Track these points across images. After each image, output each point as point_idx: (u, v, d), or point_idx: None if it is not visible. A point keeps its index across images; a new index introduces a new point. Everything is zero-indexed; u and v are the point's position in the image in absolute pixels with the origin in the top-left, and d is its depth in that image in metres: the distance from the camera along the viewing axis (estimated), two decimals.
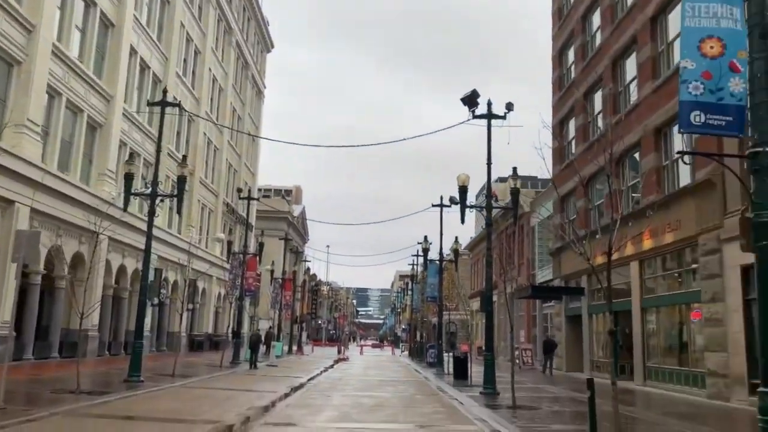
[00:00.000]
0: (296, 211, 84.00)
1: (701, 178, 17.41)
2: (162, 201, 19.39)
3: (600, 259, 24.60)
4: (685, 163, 17.30)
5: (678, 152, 17.49)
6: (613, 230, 8.75)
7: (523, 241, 39.93)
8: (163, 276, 35.64)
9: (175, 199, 18.76)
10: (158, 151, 18.63)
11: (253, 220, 53.35)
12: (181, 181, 18.39)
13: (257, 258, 33.09)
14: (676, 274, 19.82)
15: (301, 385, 19.77)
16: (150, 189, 18.15)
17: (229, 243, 30.43)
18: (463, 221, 18.53)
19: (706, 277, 16.98)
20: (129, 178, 17.97)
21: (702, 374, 17.38)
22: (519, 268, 37.68)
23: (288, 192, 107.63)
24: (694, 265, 18.03)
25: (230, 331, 42.55)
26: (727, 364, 15.92)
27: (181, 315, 23.51)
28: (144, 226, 32.51)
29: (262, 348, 38.85)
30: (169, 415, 11.85)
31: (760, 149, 5.15)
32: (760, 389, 4.92)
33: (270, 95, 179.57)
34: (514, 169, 18.29)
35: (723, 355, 16.08)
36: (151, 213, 18.00)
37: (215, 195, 46.68)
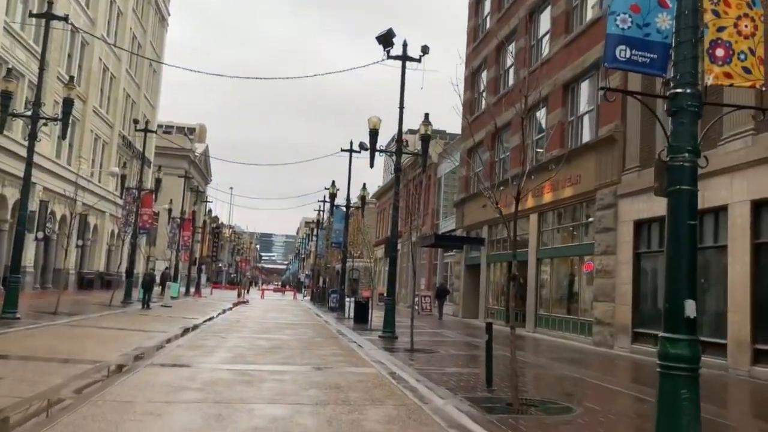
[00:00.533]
0: (199, 149, 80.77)
1: (603, 135, 17.85)
2: (45, 124, 17.65)
3: (504, 211, 25.08)
4: (607, 100, 17.63)
5: (600, 88, 17.73)
6: (523, 174, 8.56)
7: (429, 191, 40.26)
8: (49, 209, 33.24)
9: (61, 123, 17.07)
10: (41, 68, 16.84)
11: (151, 156, 50.68)
12: (68, 103, 16.79)
13: (153, 195, 31.39)
14: (571, 228, 20.49)
15: (195, 327, 19.07)
16: (31, 110, 16.43)
17: (123, 177, 28.54)
18: (372, 165, 18.14)
19: (600, 230, 17.60)
20: (6, 96, 16.16)
21: (589, 323, 18.20)
22: (424, 218, 38.05)
23: (191, 130, 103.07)
24: (590, 219, 18.66)
25: (124, 270, 40.67)
26: (613, 313, 16.71)
27: (66, 250, 21.89)
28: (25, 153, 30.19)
29: (157, 289, 37.47)
30: (47, 353, 10.96)
31: (680, 90, 4.99)
32: (662, 334, 4.88)
33: (174, 29, 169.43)
34: (426, 115, 17.99)
35: (610, 305, 16.85)
36: (32, 136, 16.37)
37: (110, 126, 43.71)
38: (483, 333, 21.56)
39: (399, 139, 17.69)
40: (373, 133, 17.70)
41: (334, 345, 15.54)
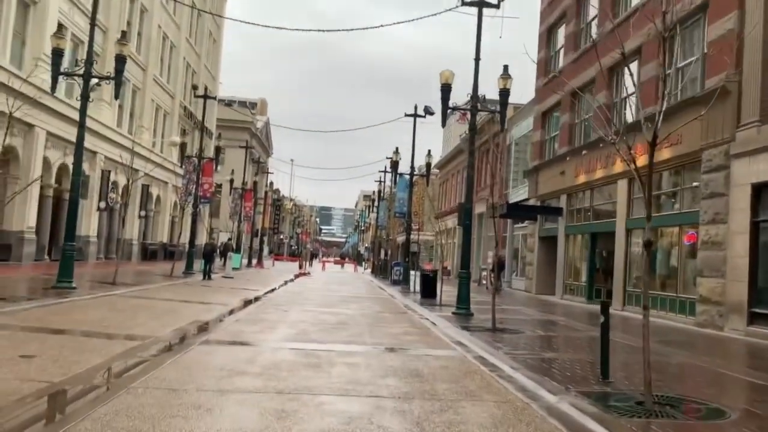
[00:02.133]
0: (260, 122, 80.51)
1: (713, 86, 15.51)
2: (98, 84, 16.73)
3: (582, 178, 22.88)
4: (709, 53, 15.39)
5: None
6: (659, 112, 6.77)
7: (498, 159, 38.13)
8: (112, 179, 33.03)
9: (114, 84, 16.08)
10: (92, 24, 15.81)
11: (212, 127, 50.33)
12: (120, 61, 15.73)
13: (213, 163, 30.60)
14: (671, 194, 18.28)
15: (257, 299, 18.05)
16: (83, 68, 15.47)
17: (183, 145, 27.79)
18: (444, 123, 16.48)
19: (707, 196, 15.42)
20: (57, 54, 15.24)
21: (691, 301, 16.14)
22: (492, 187, 36.07)
23: (253, 104, 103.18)
24: (694, 184, 16.44)
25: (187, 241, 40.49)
26: (723, 290, 14.61)
27: (123, 219, 21.20)
28: (90, 124, 29.80)
29: (219, 261, 37.05)
30: (94, 327, 9.92)
31: None
32: None
33: (232, 3, 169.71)
34: (505, 67, 16.11)
35: (719, 282, 14.75)
36: (85, 97, 15.42)
37: (171, 96, 43.35)
38: (563, 310, 19.87)
39: (474, 95, 15.89)
40: (446, 89, 15.96)
41: (404, 321, 14.12)
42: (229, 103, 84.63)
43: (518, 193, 33.14)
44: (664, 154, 17.71)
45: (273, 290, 22.41)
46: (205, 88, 30.30)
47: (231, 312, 13.98)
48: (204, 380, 6.49)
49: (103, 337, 9.05)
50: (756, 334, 13.29)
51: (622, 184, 20.32)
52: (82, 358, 7.27)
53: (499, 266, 30.91)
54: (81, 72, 15.55)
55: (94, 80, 15.83)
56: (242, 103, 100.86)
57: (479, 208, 41.86)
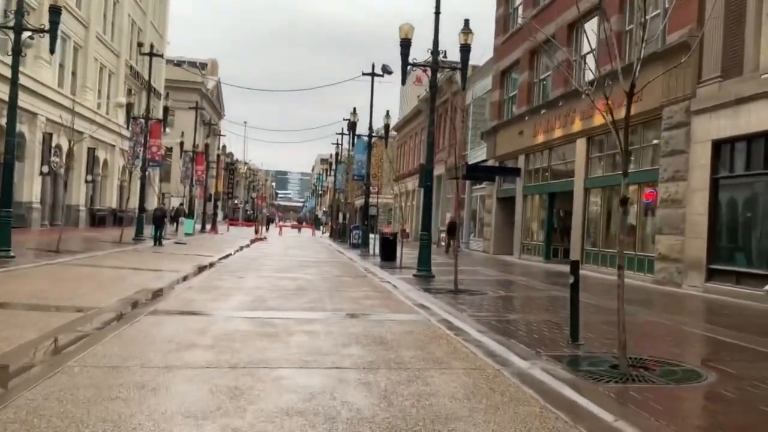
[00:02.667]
0: (210, 83, 78.02)
1: (674, 42, 15.34)
2: (31, 38, 15.49)
3: (541, 138, 22.70)
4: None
5: None
6: (638, 59, 6.38)
7: (455, 120, 37.74)
8: (55, 143, 31.41)
9: (50, 38, 14.90)
10: None
11: (161, 88, 48.38)
12: (54, 11, 14.54)
13: (161, 124, 29.32)
14: (629, 153, 18.18)
15: (211, 265, 17.40)
16: (12, 20, 14.27)
17: (129, 106, 26.43)
18: (404, 81, 15.91)
19: (667, 153, 15.36)
20: None
21: (649, 259, 16.22)
22: (449, 149, 35.79)
23: (203, 65, 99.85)
24: (653, 142, 16.35)
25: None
26: (681, 248, 14.66)
27: (65, 183, 20.06)
28: (29, 84, 28.05)
29: (171, 225, 35.95)
30: (31, 299, 9.20)
31: None
32: None
33: None
34: (466, 21, 15.54)
35: (678, 239, 14.79)
36: (17, 52, 14.24)
37: (116, 55, 41.30)
38: (522, 270, 19.83)
39: (435, 50, 15.31)
40: (405, 44, 15.32)
41: (365, 285, 13.74)
42: (178, 64, 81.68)
43: (476, 155, 32.91)
44: (624, 112, 17.53)
45: (228, 256, 21.72)
46: (151, 46, 28.74)
47: (183, 279, 13.34)
48: (150, 355, 5.95)
49: (41, 310, 8.36)
50: (714, 290, 13.39)
51: (581, 144, 20.19)
52: (13, 333, 6.62)
53: (452, 228, 30.90)
54: (11, 24, 14.32)
55: (27, 33, 14.62)
56: (192, 64, 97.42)
57: (438, 170, 41.53)
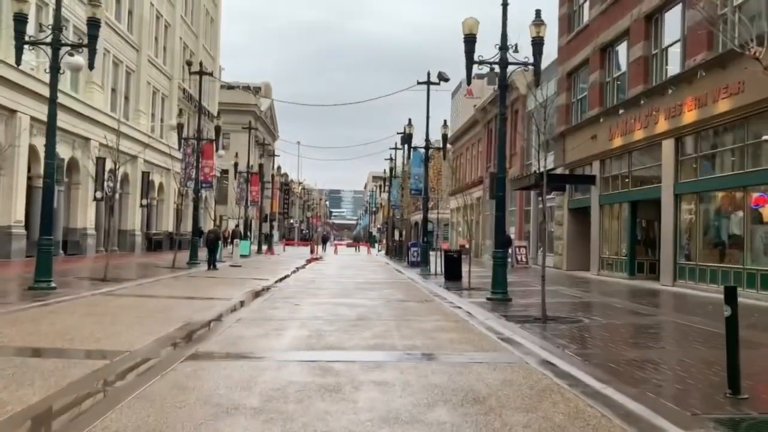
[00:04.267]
0: (264, 105, 78.26)
1: None
2: (71, 54, 14.66)
3: (618, 141, 20.58)
4: None
5: None
6: None
7: (517, 127, 35.84)
8: (109, 167, 31.10)
9: (89, 51, 13.99)
10: None
11: (213, 108, 48.23)
12: (92, 25, 13.63)
13: (213, 144, 28.53)
14: (730, 152, 16.00)
15: (266, 290, 16.12)
16: (51, 35, 13.41)
17: (180, 127, 25.70)
18: (469, 81, 14.28)
19: None
20: (20, 20, 13.18)
21: (764, 273, 13.97)
22: (511, 158, 33.88)
23: (257, 89, 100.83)
24: (764, 137, 14.15)
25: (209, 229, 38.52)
26: None
27: (111, 207, 19.26)
28: (80, 109, 27.81)
29: (226, 247, 35.18)
30: (52, 341, 7.96)
31: None
32: None
33: None
34: (537, 12, 13.85)
35: None
36: (54, 69, 13.35)
37: (168, 78, 41.30)
38: (608, 289, 17.75)
39: (503, 45, 13.64)
40: (470, 40, 13.71)
41: (434, 312, 12.09)
42: (231, 87, 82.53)
43: (541, 163, 30.84)
44: (721, 106, 15.46)
45: (283, 279, 20.46)
46: (200, 64, 28.06)
47: (233, 309, 12.01)
48: (177, 426, 4.48)
49: (62, 356, 7.06)
50: None
51: (668, 145, 18.05)
52: (12, 395, 5.27)
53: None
54: (48, 40, 13.46)
55: (65, 48, 13.75)
56: (245, 88, 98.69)
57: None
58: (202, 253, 26.37)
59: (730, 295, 5.44)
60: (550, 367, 6.70)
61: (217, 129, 28.09)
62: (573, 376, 6.27)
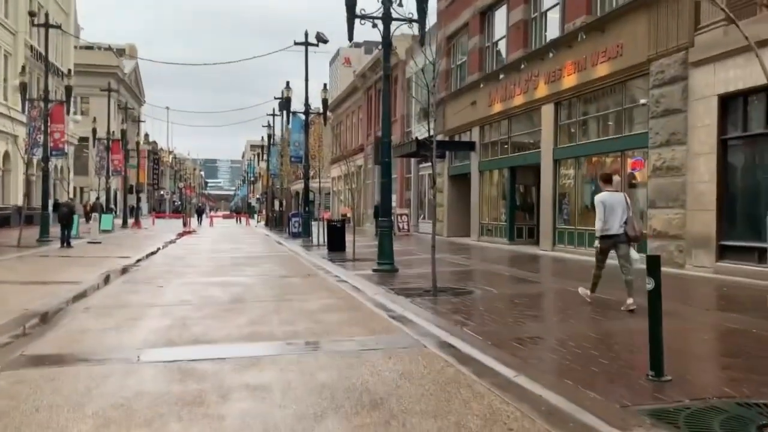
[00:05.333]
0: (127, 67, 72.47)
1: None
2: None
3: (498, 107, 20.35)
4: None
5: None
6: None
7: (396, 95, 35.22)
8: None
9: None
10: None
11: (68, 64, 43.50)
12: None
13: (65, 106, 25.43)
14: (607, 117, 16.13)
15: (125, 270, 14.33)
16: None
17: (23, 86, 22.50)
18: (351, 37, 13.10)
19: (659, 114, 13.30)
20: None
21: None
22: (391, 126, 33.24)
23: (120, 51, 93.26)
24: (642, 101, 14.25)
25: (53, 202, 34.65)
26: (683, 222, 12.69)
27: None
28: None
29: (86, 222, 32.03)
30: None
31: None
32: None
33: None
34: None
35: (677, 212, 12.81)
36: None
37: (12, 33, 36.53)
38: (491, 255, 17.58)
39: None
40: None
41: (319, 289, 11.09)
42: (90, 48, 75.61)
43: (421, 130, 30.51)
44: (600, 70, 15.47)
45: (148, 256, 18.56)
46: (46, 15, 24.57)
47: (82, 295, 10.31)
48: None
49: None
50: (728, 270, 11.44)
51: (548, 110, 18.03)
52: None
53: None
54: None
55: None
56: (107, 49, 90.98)
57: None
58: (55, 230, 23.58)
59: (653, 266, 4.85)
60: (451, 351, 5.92)
61: (68, 89, 24.98)
62: (478, 361, 5.52)
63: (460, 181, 25.26)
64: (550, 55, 17.35)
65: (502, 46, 21.71)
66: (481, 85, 21.87)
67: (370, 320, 7.80)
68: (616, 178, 9.12)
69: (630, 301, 7.87)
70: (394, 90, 36.16)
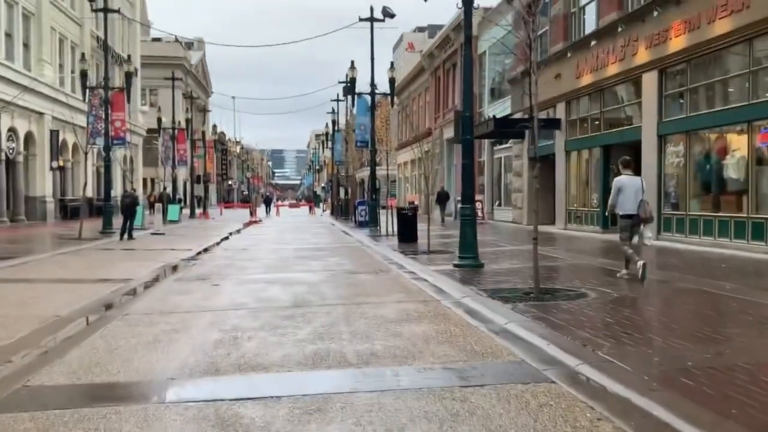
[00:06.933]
0: (194, 58, 72.93)
1: None
2: None
3: (588, 78, 18.10)
4: None
5: None
6: None
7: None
8: (7, 125, 26.98)
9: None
10: None
11: (136, 60, 43.50)
12: None
13: (125, 93, 24.77)
14: (728, 83, 13.75)
15: (184, 263, 13.19)
16: None
17: (83, 73, 21.89)
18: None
19: None
20: None
21: None
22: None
23: (189, 45, 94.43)
24: None
25: (123, 193, 34.55)
26: None
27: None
28: None
29: (150, 213, 31.70)
30: None
31: None
32: None
33: None
34: None
35: None
36: None
37: (78, 24, 36.60)
38: (589, 246, 15.47)
39: None
40: None
41: (394, 288, 9.48)
42: (158, 39, 76.58)
43: (496, 110, 28.41)
44: (719, 27, 13.12)
45: (210, 248, 17.51)
46: (105, 0, 23.75)
47: (127, 296, 9.08)
48: None
49: None
50: None
51: (650, 79, 15.73)
52: None
53: (442, 198, 28.28)
54: None
55: None
56: (176, 42, 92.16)
57: (447, 133, 37.10)
58: (119, 222, 22.95)
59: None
60: (591, 389, 4.19)
61: (128, 75, 24.32)
62: (643, 411, 3.75)
63: (543, 163, 23.06)
64: (655, 14, 15.04)
65: (590, 10, 19.40)
66: (568, 54, 19.66)
67: (464, 335, 6.10)
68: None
69: (625, 271, 9.05)
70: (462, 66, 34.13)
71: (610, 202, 9.29)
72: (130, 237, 20.20)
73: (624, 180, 9.15)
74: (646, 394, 4.00)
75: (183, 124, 39.68)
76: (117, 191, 34.83)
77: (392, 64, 25.96)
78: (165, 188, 37.36)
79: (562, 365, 4.85)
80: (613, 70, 17.25)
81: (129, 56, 28.15)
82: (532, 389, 4.31)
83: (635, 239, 9.18)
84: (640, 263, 8.65)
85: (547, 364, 4.90)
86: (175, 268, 12.50)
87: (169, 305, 8.18)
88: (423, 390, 4.38)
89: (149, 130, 48.63)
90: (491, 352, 5.42)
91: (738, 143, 13.28)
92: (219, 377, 4.81)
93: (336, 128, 43.73)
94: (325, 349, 5.59)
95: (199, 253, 15.97)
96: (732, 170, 13.45)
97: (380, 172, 33.41)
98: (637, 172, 17.25)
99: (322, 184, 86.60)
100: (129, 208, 20.99)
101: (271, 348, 5.67)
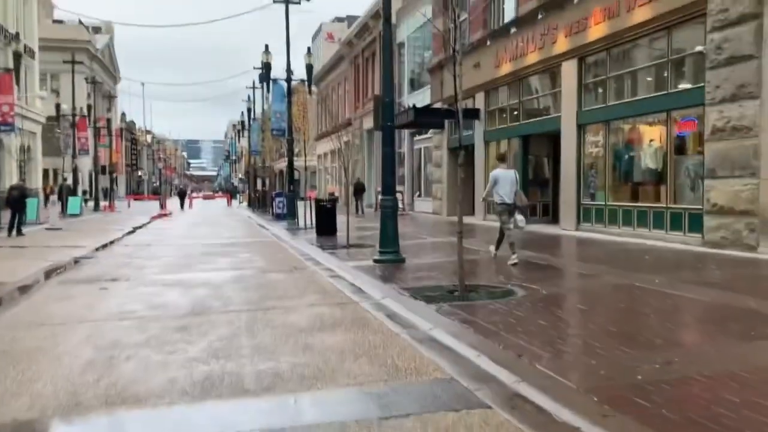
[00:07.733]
0: (100, 42, 68.67)
1: None
2: None
3: (507, 68, 17.81)
4: None
5: None
6: None
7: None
8: None
9: None
10: None
11: (34, 43, 40.20)
12: None
13: (13, 75, 22.49)
14: (647, 71, 13.65)
15: (73, 263, 11.80)
16: None
17: None
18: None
19: (721, 63, 10.87)
20: None
21: (693, 213, 11.88)
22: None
23: (96, 29, 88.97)
24: (697, 48, 11.72)
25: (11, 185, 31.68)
26: (754, 195, 10.34)
27: None
28: None
29: (54, 206, 29.29)
30: None
31: None
32: None
33: None
34: None
35: (747, 183, 10.46)
36: None
37: None
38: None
39: None
40: None
41: (309, 289, 8.62)
42: (60, 21, 71.60)
43: (416, 100, 27.91)
44: (638, 15, 12.98)
45: (108, 244, 16.00)
46: None
47: None
48: None
49: None
50: None
51: (569, 68, 15.53)
52: None
53: (358, 190, 28.40)
54: None
55: None
56: (80, 25, 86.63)
57: (367, 123, 36.36)
58: (6, 216, 20.84)
59: None
60: (536, 418, 3.50)
61: (17, 54, 22.04)
62: None
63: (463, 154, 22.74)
64: (575, 1, 14.80)
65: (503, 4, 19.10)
66: (488, 43, 19.29)
67: (385, 345, 5.35)
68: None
69: (514, 257, 9.77)
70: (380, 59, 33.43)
71: (485, 191, 10.57)
72: (19, 233, 18.32)
73: (499, 173, 10.18)
74: (599, 422, 3.37)
75: (85, 111, 36.96)
76: (9, 183, 32.05)
77: (309, 49, 24.91)
78: (65, 179, 34.70)
79: (497, 383, 4.18)
80: (532, 58, 16.99)
81: (17, 33, 25.61)
82: (465, 419, 3.59)
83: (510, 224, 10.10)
84: (492, 247, 10.50)
85: (479, 382, 4.21)
86: (59, 269, 11.11)
87: (42, 315, 6.99)
88: (334, 426, 3.57)
89: (49, 118, 45.28)
90: (415, 368, 4.68)
91: (656, 133, 13.22)
92: (73, 418, 3.82)
93: (252, 117, 42.12)
94: (219, 371, 4.68)
95: (95, 249, 14.54)
96: (650, 160, 13.40)
97: (299, 162, 32.34)
98: (557, 162, 17.27)
99: (240, 176, 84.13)
100: (16, 201, 19.03)
101: (152, 371, 4.70)
